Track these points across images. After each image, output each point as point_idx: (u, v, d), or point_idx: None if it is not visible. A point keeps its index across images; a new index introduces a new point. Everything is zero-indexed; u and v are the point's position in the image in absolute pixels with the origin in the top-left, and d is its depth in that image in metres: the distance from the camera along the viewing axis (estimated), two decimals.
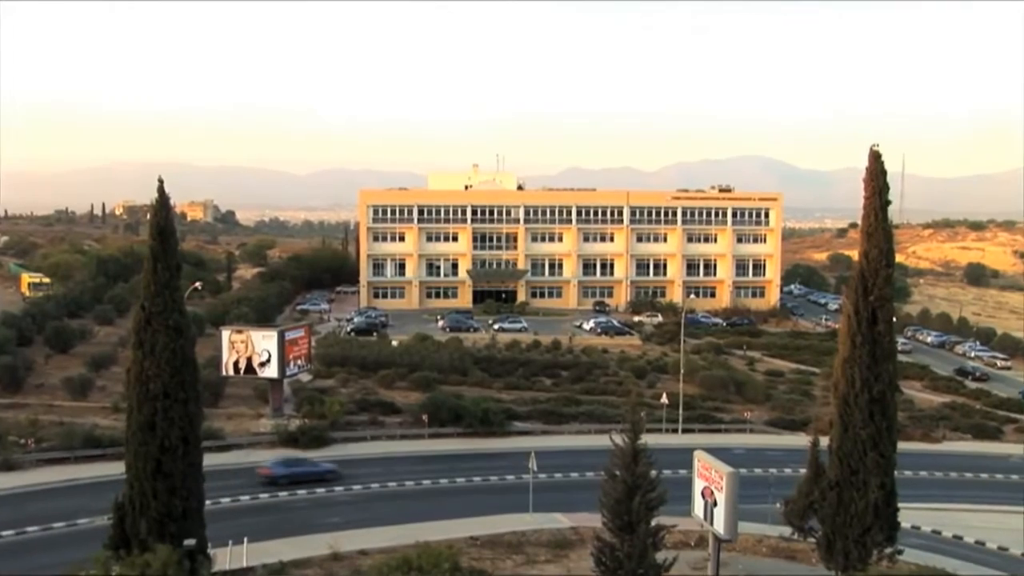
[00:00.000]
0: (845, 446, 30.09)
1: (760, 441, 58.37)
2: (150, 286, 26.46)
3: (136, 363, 26.38)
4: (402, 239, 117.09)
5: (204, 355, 52.81)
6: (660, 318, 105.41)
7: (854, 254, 37.53)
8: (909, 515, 35.88)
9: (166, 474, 26.10)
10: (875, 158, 30.48)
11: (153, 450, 26.03)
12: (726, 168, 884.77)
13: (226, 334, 55.06)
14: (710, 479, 29.99)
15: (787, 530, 34.97)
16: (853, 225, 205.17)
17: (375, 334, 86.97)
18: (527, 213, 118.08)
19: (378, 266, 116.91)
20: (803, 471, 33.72)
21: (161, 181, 26.83)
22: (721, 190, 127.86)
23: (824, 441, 32.00)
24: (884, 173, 30.58)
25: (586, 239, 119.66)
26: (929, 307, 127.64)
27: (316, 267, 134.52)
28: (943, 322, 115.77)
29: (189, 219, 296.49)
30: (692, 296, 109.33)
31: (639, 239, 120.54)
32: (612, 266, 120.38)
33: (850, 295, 30.54)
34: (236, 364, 54.40)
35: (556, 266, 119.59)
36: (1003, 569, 37.86)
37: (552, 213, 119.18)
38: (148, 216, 30.52)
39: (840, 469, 30.23)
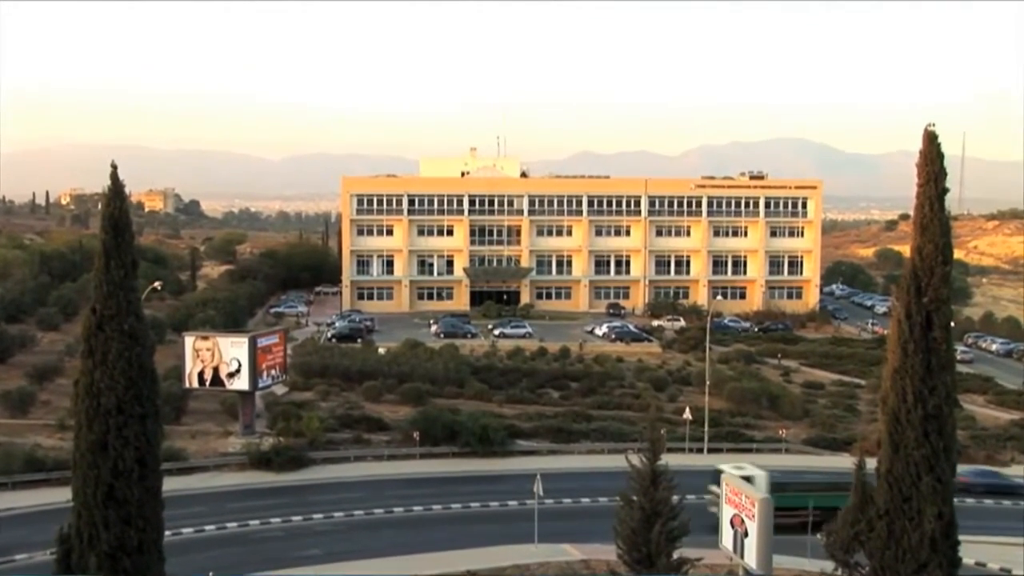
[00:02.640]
0: (896, 469, 29.92)
1: (797, 462, 58.27)
2: (102, 286, 26.36)
3: (86, 374, 26.28)
4: (390, 233, 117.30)
5: (165, 365, 53.00)
6: (682, 322, 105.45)
7: (905, 250, 37.56)
8: (972, 550, 35.72)
9: (119, 501, 25.99)
10: (931, 139, 30.29)
11: (104, 474, 25.91)
12: (758, 152, 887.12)
13: (190, 341, 55.18)
14: (740, 505, 29.91)
15: (829, 565, 34.77)
16: (904, 216, 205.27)
17: (359, 340, 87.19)
18: (532, 204, 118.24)
19: (363, 263, 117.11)
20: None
21: (114, 166, 26.76)
22: (752, 177, 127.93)
23: (871, 463, 31.87)
24: (941, 156, 30.39)
25: (598, 233, 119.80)
26: (994, 310, 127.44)
27: (292, 264, 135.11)
28: (1010, 328, 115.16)
29: (147, 210, 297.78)
30: (719, 297, 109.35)
31: (659, 233, 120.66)
32: (628, 263, 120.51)
33: (901, 296, 30.37)
34: (201, 375, 54.53)
35: (564, 263, 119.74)
36: None
37: (560, 204, 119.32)
38: (99, 206, 30.50)
39: (890, 496, 30.05)
